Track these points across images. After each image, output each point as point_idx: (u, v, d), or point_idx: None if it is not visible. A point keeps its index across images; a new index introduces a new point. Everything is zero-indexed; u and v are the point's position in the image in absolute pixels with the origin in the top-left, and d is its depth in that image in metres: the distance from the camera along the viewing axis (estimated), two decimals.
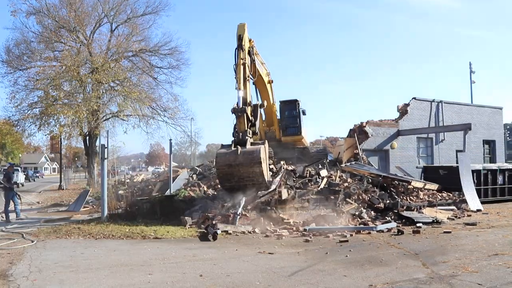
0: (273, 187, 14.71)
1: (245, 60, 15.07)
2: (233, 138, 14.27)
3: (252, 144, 14.12)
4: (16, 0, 30.94)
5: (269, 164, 16.40)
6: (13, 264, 8.49)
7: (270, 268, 8.18)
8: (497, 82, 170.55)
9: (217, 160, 14.12)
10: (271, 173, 16.07)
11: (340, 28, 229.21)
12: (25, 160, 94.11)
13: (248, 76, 15.34)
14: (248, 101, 14.65)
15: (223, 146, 14.68)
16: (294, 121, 22.28)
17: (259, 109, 15.79)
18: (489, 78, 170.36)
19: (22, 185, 44.22)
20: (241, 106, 14.16)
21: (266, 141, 15.60)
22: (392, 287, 6.81)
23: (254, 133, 15.00)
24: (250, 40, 16.24)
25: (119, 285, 7.10)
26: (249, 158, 13.40)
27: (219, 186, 16.08)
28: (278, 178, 15.62)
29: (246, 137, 13.97)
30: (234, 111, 14.21)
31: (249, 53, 15.80)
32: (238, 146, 13.57)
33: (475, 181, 18.87)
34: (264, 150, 14.18)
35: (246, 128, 14.18)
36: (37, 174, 76.47)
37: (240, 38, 15.23)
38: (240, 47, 15.12)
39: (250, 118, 14.56)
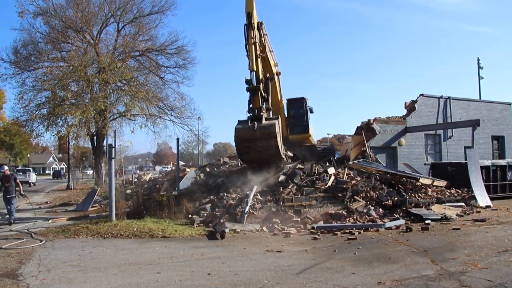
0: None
1: (255, 39, 15.28)
2: (248, 114, 15.40)
3: (266, 119, 15.19)
4: (24, 0, 31.07)
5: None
6: (22, 264, 8.55)
7: (278, 266, 8.17)
8: (506, 78, 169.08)
9: (236, 135, 15.31)
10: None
11: (345, 26, 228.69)
12: (33, 160, 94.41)
13: (259, 54, 15.64)
14: (261, 77, 15.31)
15: (239, 122, 15.59)
16: (302, 119, 22.16)
17: (269, 82, 16.32)
18: (498, 74, 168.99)
19: (34, 184, 44.91)
20: (255, 84, 14.94)
21: (280, 116, 16.62)
22: (401, 284, 6.76)
23: (267, 109, 15.93)
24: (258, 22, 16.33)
25: (128, 284, 7.11)
26: (266, 133, 14.63)
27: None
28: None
29: (262, 113, 15.04)
30: (249, 89, 15.08)
31: (257, 28, 15.89)
32: (255, 122, 14.63)
33: (484, 177, 18.76)
34: (279, 125, 15.30)
35: (260, 105, 15.17)
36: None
37: (249, 16, 15.35)
38: (250, 25, 15.29)
39: (264, 94, 15.42)
